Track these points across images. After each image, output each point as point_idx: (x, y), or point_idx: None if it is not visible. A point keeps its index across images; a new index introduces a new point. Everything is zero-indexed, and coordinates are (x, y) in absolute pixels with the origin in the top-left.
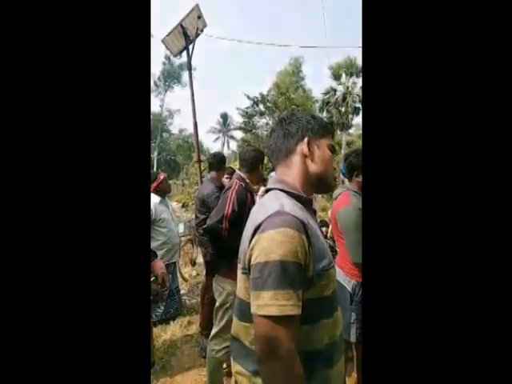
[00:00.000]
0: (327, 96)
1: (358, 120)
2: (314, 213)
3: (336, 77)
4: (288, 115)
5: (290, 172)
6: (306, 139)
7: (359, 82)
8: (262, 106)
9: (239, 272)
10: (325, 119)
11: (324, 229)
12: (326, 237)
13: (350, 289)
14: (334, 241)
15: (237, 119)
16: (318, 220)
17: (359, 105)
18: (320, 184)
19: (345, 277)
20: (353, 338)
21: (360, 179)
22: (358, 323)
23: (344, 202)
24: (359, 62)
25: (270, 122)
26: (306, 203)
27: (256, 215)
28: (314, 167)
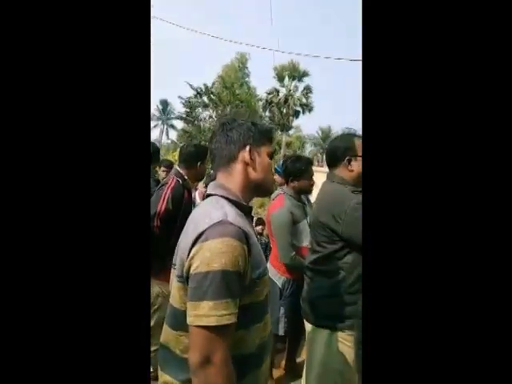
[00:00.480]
0: (270, 96)
1: (297, 122)
2: (251, 219)
3: (280, 78)
4: (229, 120)
5: (232, 179)
6: (247, 147)
7: (301, 86)
8: (205, 98)
9: (174, 280)
10: (265, 126)
11: (260, 227)
12: (261, 234)
13: (279, 284)
14: (269, 238)
15: (178, 108)
16: (255, 218)
17: (299, 108)
18: (259, 190)
19: (276, 273)
20: (281, 332)
21: (295, 184)
22: (285, 317)
23: (278, 205)
24: (302, 67)
25: (214, 116)
26: (246, 211)
27: (197, 222)
28: (254, 175)
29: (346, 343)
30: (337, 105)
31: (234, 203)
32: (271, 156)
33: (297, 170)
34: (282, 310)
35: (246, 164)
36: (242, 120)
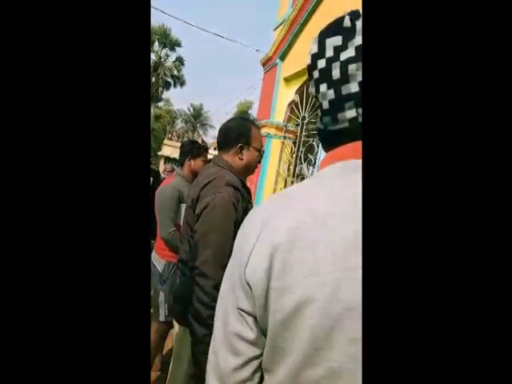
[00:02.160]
0: None
1: (167, 95)
2: None
3: None
4: None
5: None
6: None
7: (172, 55)
8: None
9: None
10: None
11: None
12: None
13: (160, 269)
14: None
15: None
16: None
17: (170, 80)
18: None
19: (157, 257)
20: (162, 318)
21: (191, 163)
22: (165, 302)
23: (166, 183)
24: (174, 34)
25: None
26: None
27: None
28: None
29: None
30: (210, 84)
31: None
32: None
33: (196, 149)
34: (162, 296)
35: None
36: None
